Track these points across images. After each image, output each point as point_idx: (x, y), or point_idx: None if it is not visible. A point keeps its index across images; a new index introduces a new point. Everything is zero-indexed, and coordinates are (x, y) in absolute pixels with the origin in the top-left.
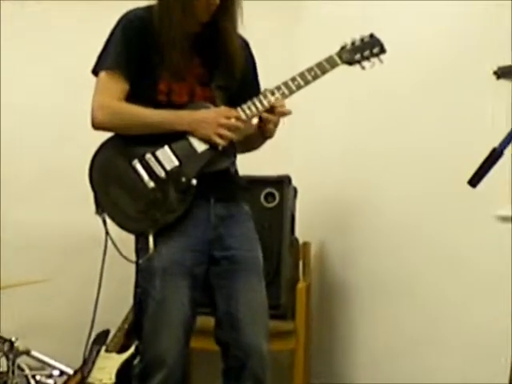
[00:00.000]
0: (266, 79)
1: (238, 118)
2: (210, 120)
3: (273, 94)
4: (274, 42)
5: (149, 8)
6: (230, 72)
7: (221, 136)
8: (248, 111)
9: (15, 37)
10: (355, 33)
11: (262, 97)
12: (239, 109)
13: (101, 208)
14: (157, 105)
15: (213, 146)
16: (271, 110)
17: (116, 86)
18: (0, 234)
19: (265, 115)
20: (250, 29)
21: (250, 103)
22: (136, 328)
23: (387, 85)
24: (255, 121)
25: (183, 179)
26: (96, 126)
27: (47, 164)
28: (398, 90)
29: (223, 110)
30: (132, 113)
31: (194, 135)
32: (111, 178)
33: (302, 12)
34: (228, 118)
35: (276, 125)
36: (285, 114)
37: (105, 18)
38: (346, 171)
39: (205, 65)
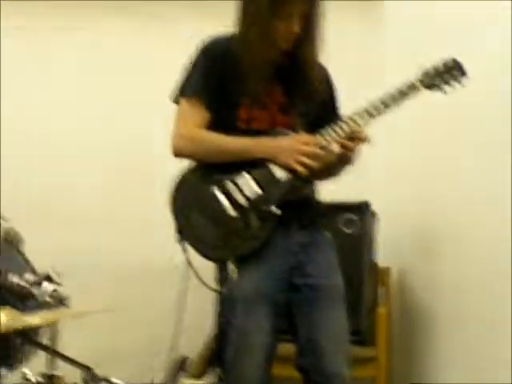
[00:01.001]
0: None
1: (318, 145)
2: (291, 147)
3: (353, 120)
4: (353, 54)
5: (229, 35)
6: (310, 100)
7: (301, 164)
8: (328, 137)
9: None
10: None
11: (342, 123)
12: (319, 135)
13: (182, 236)
14: (237, 132)
15: (294, 173)
16: (351, 136)
17: (196, 114)
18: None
19: (344, 142)
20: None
21: (329, 129)
22: (218, 356)
23: (469, 105)
24: (336, 148)
25: (264, 207)
26: (176, 153)
27: (121, 190)
28: (481, 111)
29: (304, 137)
30: (212, 140)
31: (274, 163)
32: (192, 206)
33: (381, 25)
34: (308, 145)
35: (356, 152)
36: (364, 140)
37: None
38: (427, 195)
39: (286, 92)
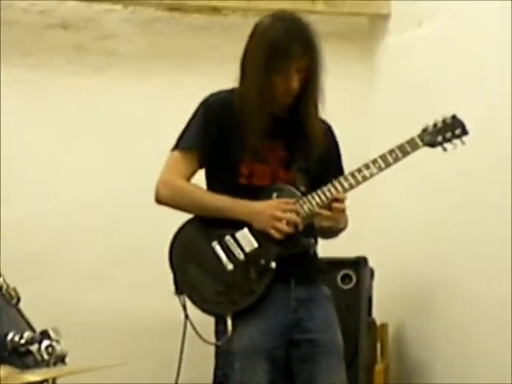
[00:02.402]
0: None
1: (294, 211)
2: (267, 213)
3: (340, 183)
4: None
5: (231, 91)
6: (310, 155)
7: (277, 229)
8: (312, 202)
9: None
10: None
11: (329, 186)
12: (302, 200)
13: (180, 289)
14: (239, 187)
15: (269, 237)
16: (329, 205)
17: (185, 166)
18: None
19: (322, 211)
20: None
21: (314, 194)
22: None
23: (462, 160)
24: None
25: (262, 262)
26: (158, 201)
27: (118, 245)
28: (476, 164)
29: (281, 202)
30: (193, 194)
31: (251, 225)
32: (191, 259)
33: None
34: (284, 211)
35: (335, 221)
36: (342, 211)
37: None
38: (423, 250)
39: (287, 147)
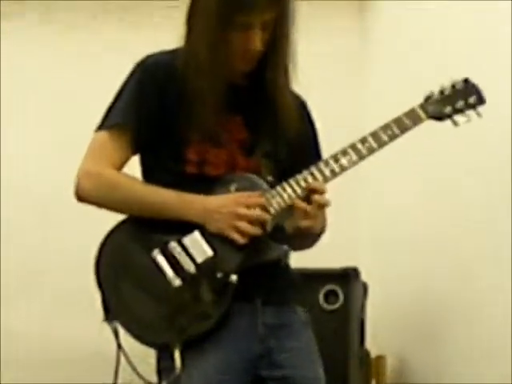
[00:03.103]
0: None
1: (262, 207)
2: (225, 210)
3: (327, 164)
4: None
5: (174, 52)
6: (278, 136)
7: (239, 231)
8: (284, 195)
9: None
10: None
11: (305, 174)
12: (269, 193)
13: (111, 314)
14: (185, 178)
15: (229, 242)
16: (307, 197)
17: (115, 150)
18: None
19: (298, 204)
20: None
21: (286, 184)
22: None
23: (468, 155)
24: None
25: (219, 275)
26: (80, 197)
27: (39, 263)
28: (482, 167)
29: (243, 196)
30: (126, 187)
31: (204, 228)
32: (124, 274)
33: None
34: (248, 207)
35: (315, 218)
36: (323, 205)
37: None
38: (427, 260)
39: (249, 126)
